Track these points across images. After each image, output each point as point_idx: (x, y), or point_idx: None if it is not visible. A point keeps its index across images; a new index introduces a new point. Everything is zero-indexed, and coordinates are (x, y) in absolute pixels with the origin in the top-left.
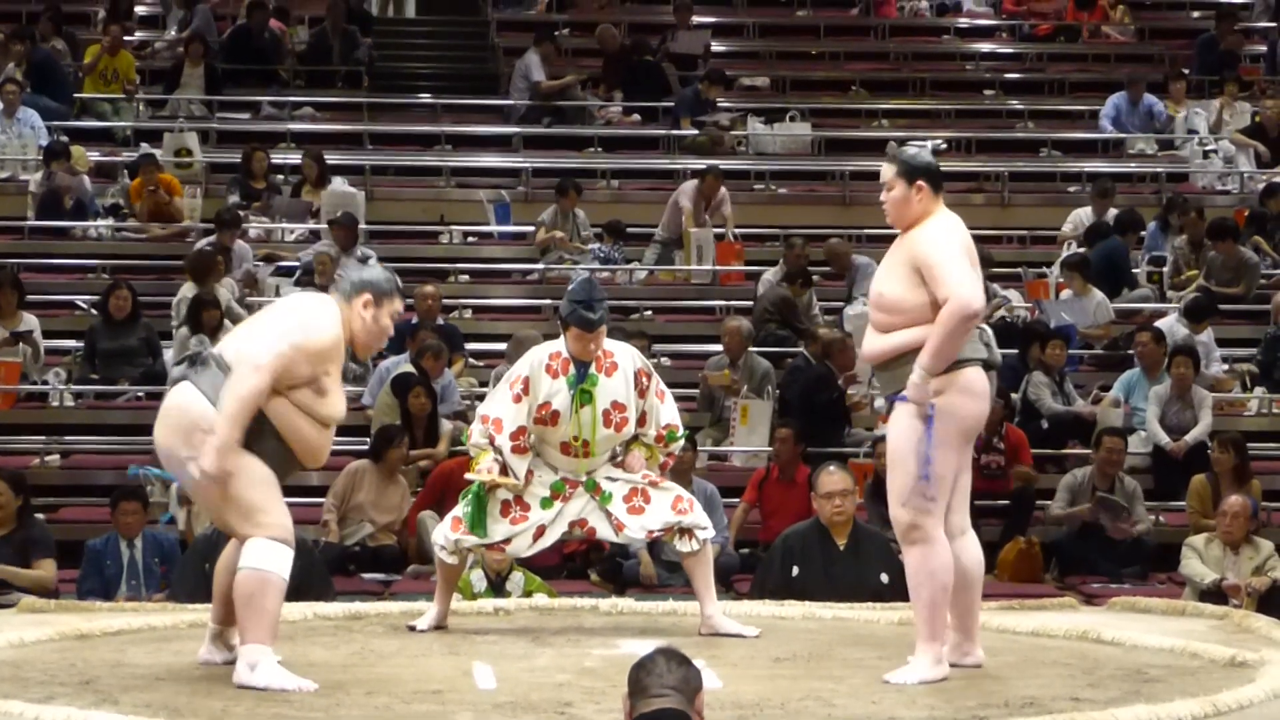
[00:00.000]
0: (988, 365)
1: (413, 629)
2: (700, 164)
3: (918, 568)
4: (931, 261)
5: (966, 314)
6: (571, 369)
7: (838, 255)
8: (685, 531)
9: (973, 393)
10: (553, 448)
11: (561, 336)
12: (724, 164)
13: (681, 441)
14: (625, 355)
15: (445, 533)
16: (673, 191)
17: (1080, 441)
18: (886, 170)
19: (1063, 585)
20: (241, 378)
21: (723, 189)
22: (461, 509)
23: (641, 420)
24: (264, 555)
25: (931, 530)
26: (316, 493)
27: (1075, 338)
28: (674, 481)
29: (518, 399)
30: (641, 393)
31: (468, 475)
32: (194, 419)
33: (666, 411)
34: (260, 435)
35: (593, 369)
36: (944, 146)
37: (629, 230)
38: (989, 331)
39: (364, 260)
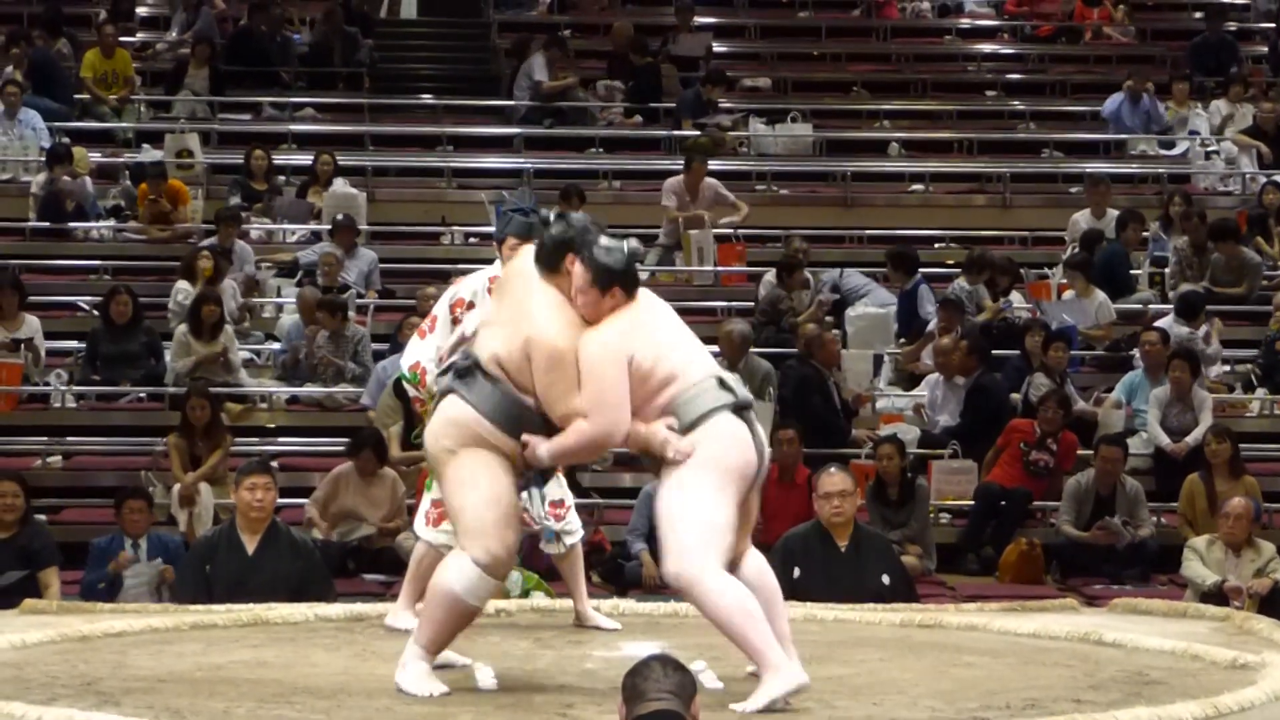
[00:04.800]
0: (739, 408)
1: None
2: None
3: (715, 616)
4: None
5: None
6: None
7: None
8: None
9: (733, 438)
10: None
11: (497, 259)
12: (725, 165)
13: None
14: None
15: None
16: None
17: (1082, 443)
18: (577, 269)
19: (1064, 587)
20: None
21: (711, 180)
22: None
23: None
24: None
25: (710, 578)
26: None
27: (1077, 339)
28: None
29: (458, 322)
30: None
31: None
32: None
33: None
34: None
35: None
36: (643, 252)
37: (630, 233)
38: (728, 376)
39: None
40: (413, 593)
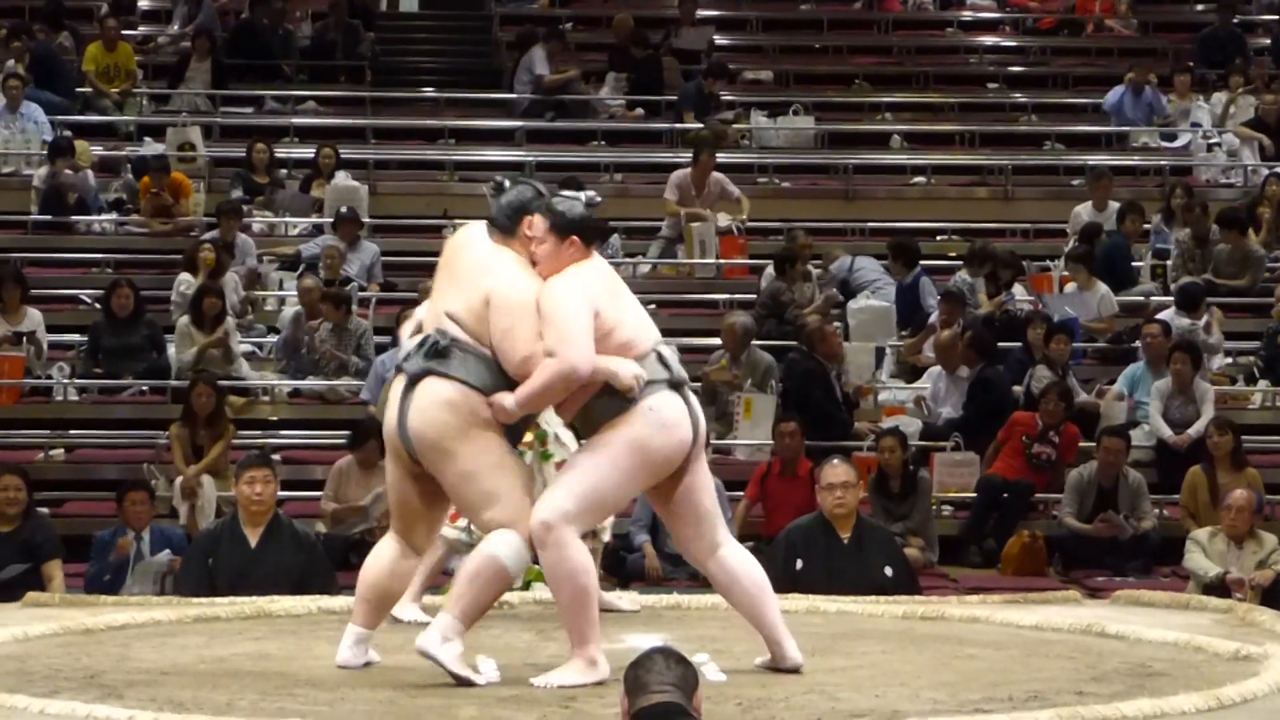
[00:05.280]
0: (675, 384)
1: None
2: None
3: (553, 570)
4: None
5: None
6: None
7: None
8: None
9: (670, 426)
10: None
11: None
12: (727, 158)
13: None
14: None
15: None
16: None
17: (1084, 436)
18: (535, 218)
19: (1066, 579)
20: None
21: (718, 174)
22: None
23: None
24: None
25: (568, 535)
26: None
27: (1079, 331)
28: None
29: None
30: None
31: None
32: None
33: None
34: None
35: None
36: (599, 200)
37: (632, 225)
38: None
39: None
40: (420, 586)
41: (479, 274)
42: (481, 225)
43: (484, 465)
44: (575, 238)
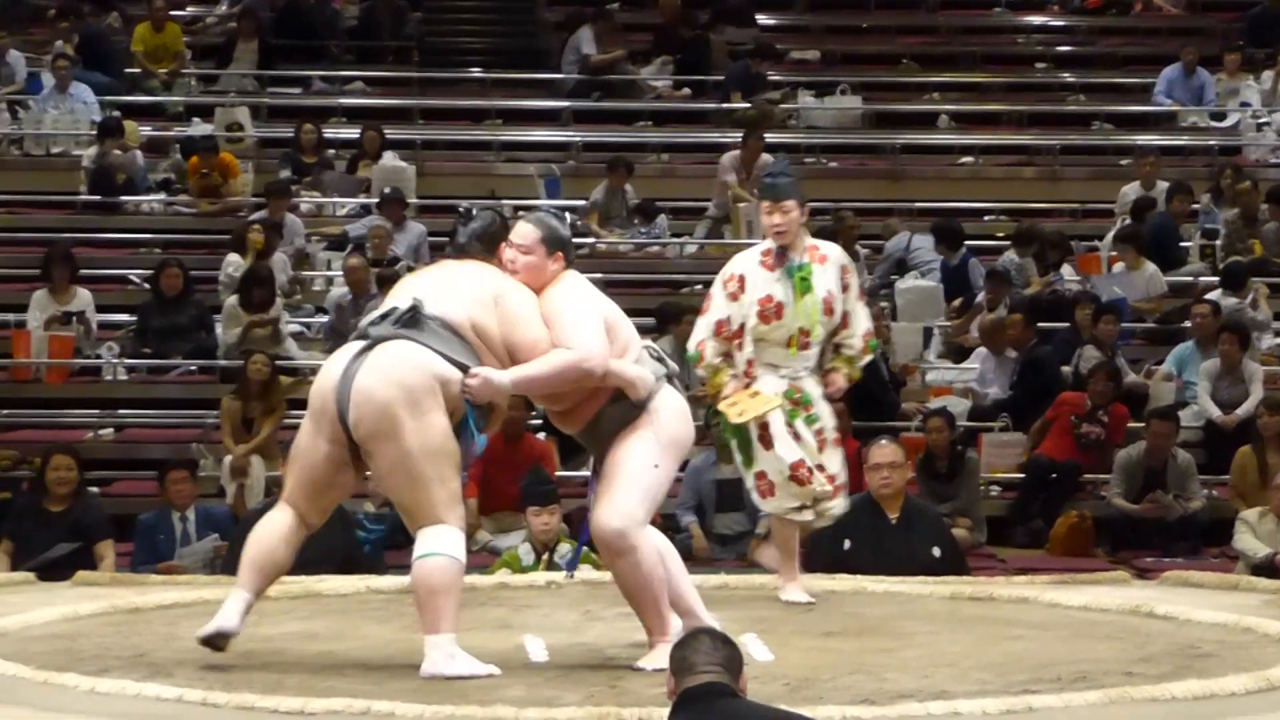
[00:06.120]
0: (670, 378)
1: None
2: None
3: (634, 574)
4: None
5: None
6: (786, 260)
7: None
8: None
9: (683, 414)
10: (776, 345)
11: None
12: (774, 138)
13: (874, 355)
14: (833, 250)
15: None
16: None
17: (1132, 416)
18: (526, 230)
19: (1114, 559)
20: None
21: (767, 156)
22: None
23: (844, 322)
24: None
25: (643, 539)
26: None
27: (1127, 311)
28: (725, 452)
29: (734, 297)
30: (844, 288)
31: (721, 406)
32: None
33: (866, 318)
34: None
35: (805, 258)
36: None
37: (679, 206)
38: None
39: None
40: (796, 564)
41: (479, 279)
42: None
43: (429, 446)
44: (561, 254)
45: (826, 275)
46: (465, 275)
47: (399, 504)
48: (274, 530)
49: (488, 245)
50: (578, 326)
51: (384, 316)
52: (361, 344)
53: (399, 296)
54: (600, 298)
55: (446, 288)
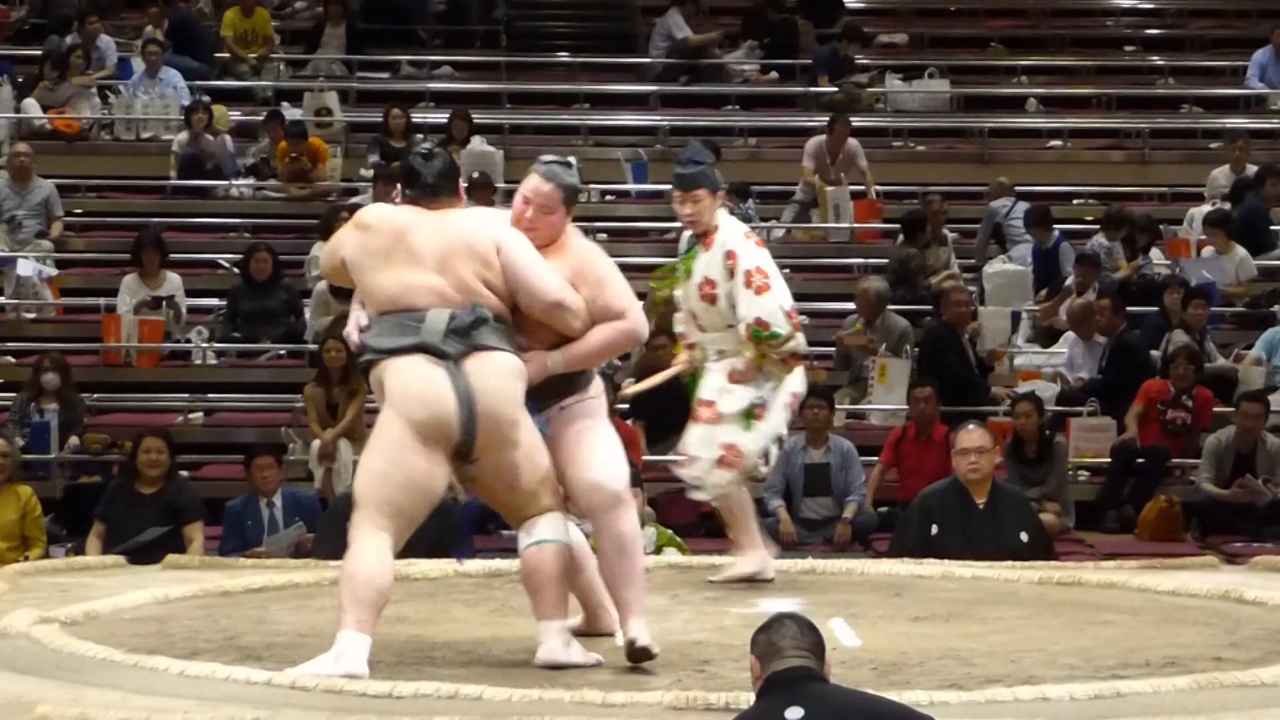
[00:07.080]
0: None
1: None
2: None
3: (626, 536)
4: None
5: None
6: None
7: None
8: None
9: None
10: (691, 325)
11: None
12: (862, 122)
13: (783, 342)
14: (724, 235)
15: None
16: None
17: (1222, 400)
18: (548, 190)
19: (1204, 545)
20: None
21: (853, 142)
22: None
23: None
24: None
25: (632, 501)
26: None
27: (1216, 295)
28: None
29: None
30: (729, 273)
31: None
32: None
33: (752, 305)
34: None
35: (699, 245)
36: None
37: (766, 189)
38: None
39: None
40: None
41: (472, 230)
42: (391, 207)
43: (536, 441)
44: (572, 206)
45: (709, 261)
46: (462, 230)
47: (505, 501)
48: (383, 565)
49: (455, 184)
50: (627, 293)
51: (450, 327)
52: (444, 360)
53: (419, 276)
54: None
55: (460, 257)
